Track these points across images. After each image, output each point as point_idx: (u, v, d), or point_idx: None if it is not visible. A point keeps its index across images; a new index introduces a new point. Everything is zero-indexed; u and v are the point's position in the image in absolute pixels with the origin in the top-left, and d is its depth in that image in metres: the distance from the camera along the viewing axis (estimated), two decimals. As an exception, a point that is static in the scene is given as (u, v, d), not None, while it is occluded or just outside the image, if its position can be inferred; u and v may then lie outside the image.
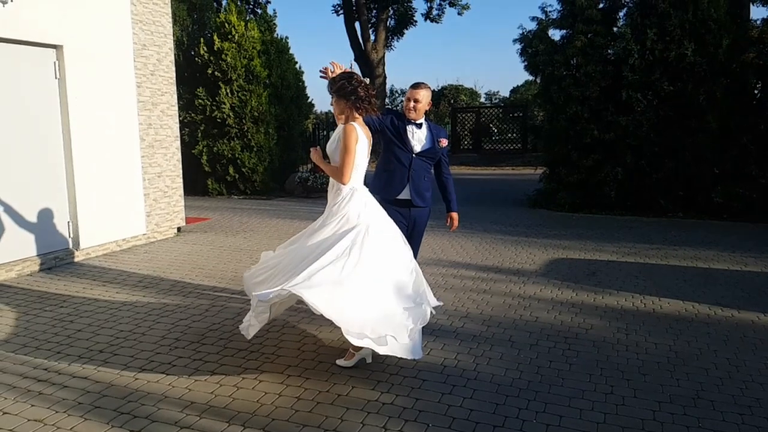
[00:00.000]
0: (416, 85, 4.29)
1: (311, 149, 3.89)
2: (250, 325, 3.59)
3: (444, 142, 4.41)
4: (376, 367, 3.78)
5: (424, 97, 4.27)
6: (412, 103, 4.24)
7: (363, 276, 3.49)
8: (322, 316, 3.29)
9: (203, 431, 3.02)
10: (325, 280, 3.38)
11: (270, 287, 3.52)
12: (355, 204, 3.71)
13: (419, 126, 4.31)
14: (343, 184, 3.69)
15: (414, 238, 4.40)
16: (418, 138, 4.29)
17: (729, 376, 3.68)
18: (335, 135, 3.80)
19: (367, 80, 3.89)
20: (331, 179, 3.85)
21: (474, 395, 3.42)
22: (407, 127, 4.27)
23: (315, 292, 3.29)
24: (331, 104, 3.90)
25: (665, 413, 3.21)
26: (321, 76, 4.03)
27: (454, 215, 4.63)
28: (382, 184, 4.31)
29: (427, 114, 4.43)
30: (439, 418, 3.15)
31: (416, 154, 4.27)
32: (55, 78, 6.42)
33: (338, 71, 3.96)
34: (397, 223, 4.11)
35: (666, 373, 3.72)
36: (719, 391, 3.47)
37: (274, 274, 3.74)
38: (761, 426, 3.09)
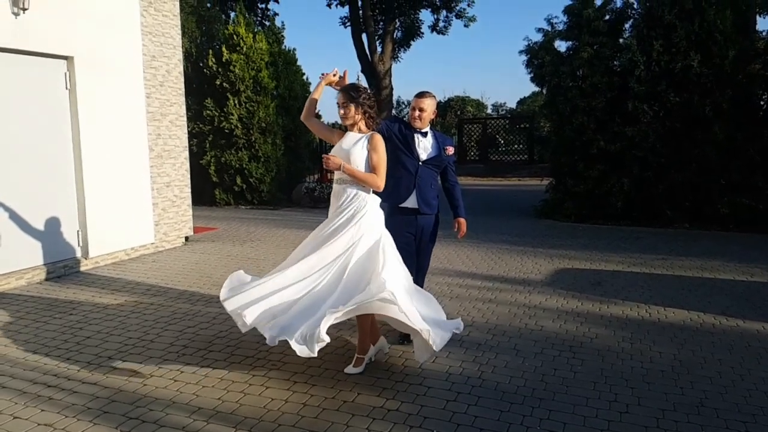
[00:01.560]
0: (421, 94, 4.32)
1: (325, 157, 3.85)
2: (317, 342, 3.37)
3: (450, 150, 4.45)
4: (382, 374, 3.81)
5: (429, 105, 4.30)
6: (417, 112, 4.29)
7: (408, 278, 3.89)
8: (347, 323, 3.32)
9: (210, 436, 3.06)
10: (401, 286, 3.67)
11: (313, 314, 3.55)
12: (378, 209, 3.92)
13: (425, 135, 4.36)
14: (380, 189, 3.90)
15: (423, 248, 4.41)
16: (423, 146, 4.33)
17: (733, 385, 3.68)
18: (357, 143, 3.87)
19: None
20: (336, 189, 3.90)
21: (478, 402, 3.44)
22: (414, 136, 4.31)
23: (398, 296, 3.49)
24: (340, 112, 3.93)
25: (669, 420, 3.22)
26: (320, 76, 4.13)
27: (462, 221, 4.57)
28: (389, 190, 4.34)
29: (432, 123, 4.46)
30: (444, 425, 3.17)
31: (422, 162, 4.31)
32: (66, 89, 6.52)
33: (337, 77, 4.09)
34: (405, 235, 4.16)
35: (670, 382, 3.73)
36: (723, 400, 3.48)
37: (305, 302, 3.66)
38: (765, 434, 3.10)
